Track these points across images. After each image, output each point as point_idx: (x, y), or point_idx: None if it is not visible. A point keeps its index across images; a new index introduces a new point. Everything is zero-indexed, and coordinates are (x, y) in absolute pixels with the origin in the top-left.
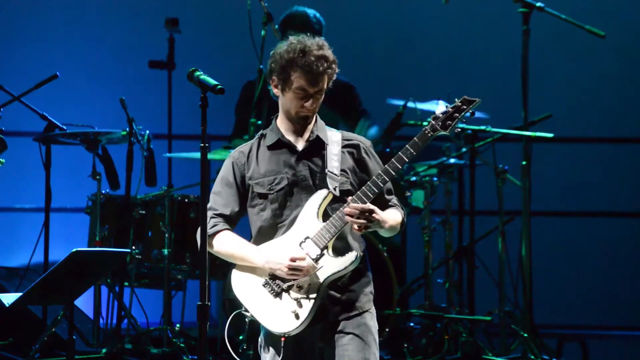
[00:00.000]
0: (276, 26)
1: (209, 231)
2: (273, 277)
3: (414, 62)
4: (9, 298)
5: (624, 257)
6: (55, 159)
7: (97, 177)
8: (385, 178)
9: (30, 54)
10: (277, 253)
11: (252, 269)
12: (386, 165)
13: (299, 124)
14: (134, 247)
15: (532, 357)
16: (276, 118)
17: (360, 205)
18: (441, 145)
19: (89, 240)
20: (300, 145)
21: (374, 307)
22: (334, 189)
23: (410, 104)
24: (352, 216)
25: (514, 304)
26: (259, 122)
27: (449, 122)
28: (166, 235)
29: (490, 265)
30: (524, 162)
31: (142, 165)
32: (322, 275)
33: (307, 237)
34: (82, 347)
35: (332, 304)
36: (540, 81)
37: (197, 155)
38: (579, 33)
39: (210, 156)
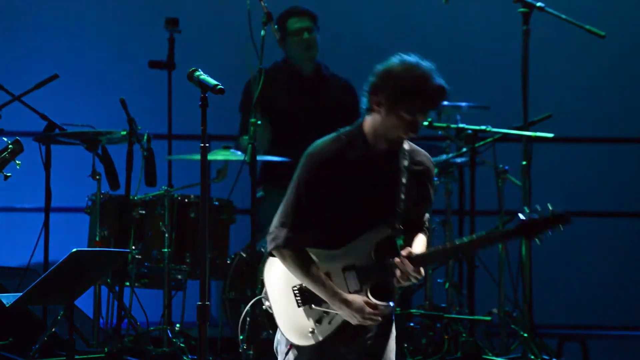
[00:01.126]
0: (276, 26)
1: (289, 244)
2: (302, 285)
3: None
4: (9, 298)
5: (624, 257)
6: (55, 159)
7: (97, 177)
8: (454, 254)
9: (30, 54)
10: (356, 302)
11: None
12: (459, 243)
13: (389, 144)
14: (134, 247)
15: (532, 357)
16: (361, 123)
17: (417, 271)
18: (441, 144)
19: (89, 240)
20: (384, 167)
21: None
22: (397, 227)
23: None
24: (403, 272)
25: (514, 304)
26: (259, 122)
27: (535, 232)
28: (166, 235)
29: (490, 265)
30: (524, 162)
31: (142, 165)
32: None
33: (353, 267)
34: (82, 347)
35: (358, 343)
36: (540, 81)
37: (197, 156)
38: (579, 33)
39: (210, 157)
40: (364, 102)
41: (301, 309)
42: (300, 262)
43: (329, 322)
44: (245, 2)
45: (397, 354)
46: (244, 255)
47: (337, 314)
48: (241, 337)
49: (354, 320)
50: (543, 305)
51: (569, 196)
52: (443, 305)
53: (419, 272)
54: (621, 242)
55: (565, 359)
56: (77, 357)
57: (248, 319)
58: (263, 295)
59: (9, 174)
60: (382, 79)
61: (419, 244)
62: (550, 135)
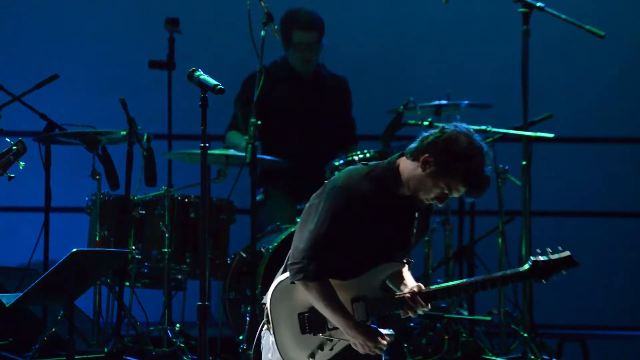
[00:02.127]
0: (276, 26)
1: (317, 277)
2: (312, 313)
3: (414, 62)
4: (9, 298)
5: (623, 257)
6: (55, 159)
7: (97, 177)
8: (465, 293)
9: (31, 54)
10: (367, 333)
11: (298, 295)
12: (468, 282)
13: (415, 195)
14: (134, 247)
15: (532, 357)
16: (396, 165)
17: (424, 306)
18: None
19: (89, 240)
20: (404, 209)
21: None
22: (408, 261)
23: (411, 104)
24: (412, 306)
25: (514, 304)
26: (259, 122)
27: (547, 274)
28: (166, 235)
29: (490, 265)
30: (524, 162)
31: (142, 165)
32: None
33: (362, 299)
34: (82, 347)
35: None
36: (540, 81)
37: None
38: (579, 33)
39: (210, 158)
40: (412, 147)
41: (305, 335)
42: (325, 292)
43: (330, 349)
44: (245, 2)
45: (397, 354)
46: (244, 255)
47: (339, 341)
48: (241, 337)
49: (364, 349)
50: (543, 305)
51: (569, 196)
52: (443, 305)
53: (426, 306)
54: (621, 242)
55: (565, 359)
56: (77, 357)
57: (248, 319)
58: (265, 318)
59: (12, 175)
60: (443, 144)
61: (408, 274)
62: (550, 135)
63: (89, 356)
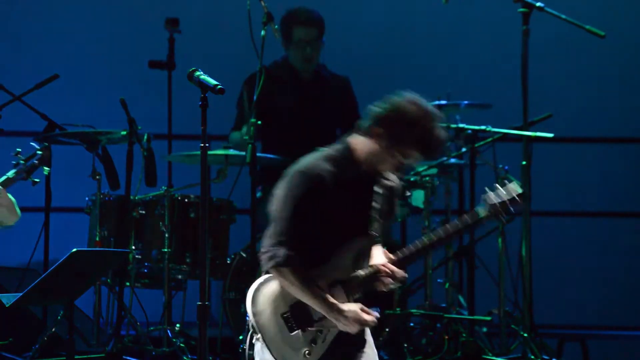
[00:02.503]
0: (276, 26)
1: (278, 260)
2: (294, 310)
3: (414, 62)
4: (9, 298)
5: (623, 257)
6: (55, 159)
7: (97, 177)
8: (433, 249)
9: (30, 54)
10: (353, 310)
11: (278, 294)
12: (434, 235)
13: (375, 170)
14: (134, 247)
15: (532, 357)
16: (351, 144)
17: (401, 273)
18: None
19: (89, 240)
20: (368, 187)
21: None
22: (372, 235)
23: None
24: (389, 276)
25: (514, 304)
26: (259, 122)
27: (505, 212)
28: (166, 235)
29: (490, 265)
30: (524, 162)
31: (142, 166)
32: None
33: (338, 282)
34: (82, 347)
35: (347, 353)
36: (540, 81)
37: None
38: (579, 33)
39: (210, 158)
40: (363, 123)
41: (294, 333)
42: (300, 277)
43: (323, 341)
44: (245, 2)
45: (397, 354)
46: (244, 255)
47: (329, 331)
48: (241, 337)
49: (352, 328)
50: (543, 305)
51: (569, 196)
52: (443, 305)
53: (404, 274)
54: (621, 242)
55: (565, 359)
56: (77, 357)
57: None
58: (250, 328)
59: (37, 180)
60: (391, 115)
61: (378, 250)
62: (550, 135)
63: (89, 356)
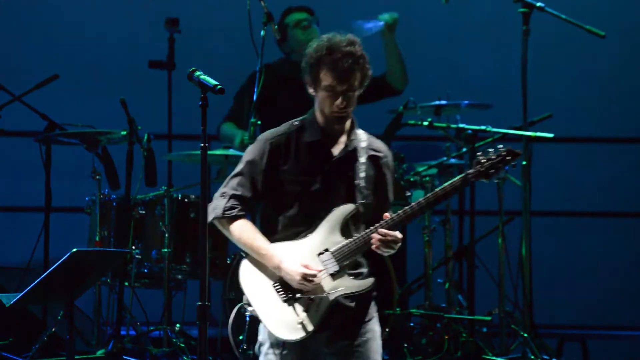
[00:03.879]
0: (276, 26)
1: (227, 213)
2: (284, 280)
3: (414, 62)
4: (9, 298)
5: (623, 257)
6: (55, 159)
7: (97, 177)
8: (421, 210)
9: (30, 54)
10: (293, 260)
11: (265, 265)
12: (424, 199)
13: (335, 124)
14: (134, 247)
15: (532, 357)
16: (313, 109)
17: (392, 233)
18: (441, 145)
19: (89, 240)
20: (336, 150)
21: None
22: (361, 205)
23: (411, 104)
24: (381, 240)
25: (514, 304)
26: (259, 122)
27: (492, 170)
28: (166, 235)
29: (490, 265)
30: (524, 162)
31: (142, 166)
32: (337, 293)
33: (327, 250)
34: (82, 347)
35: (342, 311)
36: (540, 81)
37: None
38: (579, 33)
39: (210, 158)
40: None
41: (287, 303)
42: (243, 229)
43: (316, 310)
44: (245, 2)
45: (397, 354)
46: (244, 255)
47: (320, 299)
48: (241, 337)
49: (291, 282)
50: (543, 305)
51: (569, 196)
52: (443, 305)
53: (396, 240)
54: (621, 242)
55: (565, 359)
56: (77, 357)
57: (248, 319)
58: (244, 302)
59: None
60: (306, 62)
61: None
62: (550, 135)
63: (89, 356)
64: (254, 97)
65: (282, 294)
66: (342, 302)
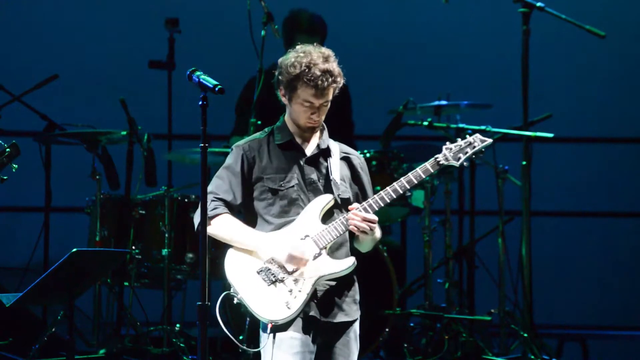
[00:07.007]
0: (276, 26)
1: (210, 213)
2: (269, 265)
3: (414, 62)
4: (9, 298)
5: (623, 257)
6: (55, 159)
7: (97, 177)
8: (393, 195)
9: (30, 54)
10: (280, 241)
11: (249, 253)
12: (395, 183)
13: (307, 132)
14: (134, 247)
15: (532, 357)
16: (284, 116)
17: (367, 214)
18: (441, 145)
19: (89, 240)
20: (308, 150)
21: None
22: (337, 196)
23: (410, 104)
24: (356, 219)
25: (514, 304)
26: (259, 122)
27: (460, 155)
28: (166, 235)
29: (490, 265)
30: (524, 162)
31: (142, 165)
32: (319, 272)
33: (307, 236)
34: (82, 347)
35: (329, 305)
36: (540, 81)
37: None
38: (579, 33)
39: (210, 158)
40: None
41: (271, 287)
42: (227, 223)
43: (300, 290)
44: (245, 2)
45: (397, 354)
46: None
47: (305, 279)
48: (241, 337)
49: (280, 259)
50: (543, 305)
51: (569, 196)
52: (443, 305)
53: (372, 220)
54: (621, 242)
55: (565, 359)
56: (77, 357)
57: (248, 319)
58: (232, 292)
59: (5, 177)
60: (278, 74)
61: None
62: (550, 135)
63: (89, 356)
64: (254, 97)
65: (266, 278)
66: (325, 282)
